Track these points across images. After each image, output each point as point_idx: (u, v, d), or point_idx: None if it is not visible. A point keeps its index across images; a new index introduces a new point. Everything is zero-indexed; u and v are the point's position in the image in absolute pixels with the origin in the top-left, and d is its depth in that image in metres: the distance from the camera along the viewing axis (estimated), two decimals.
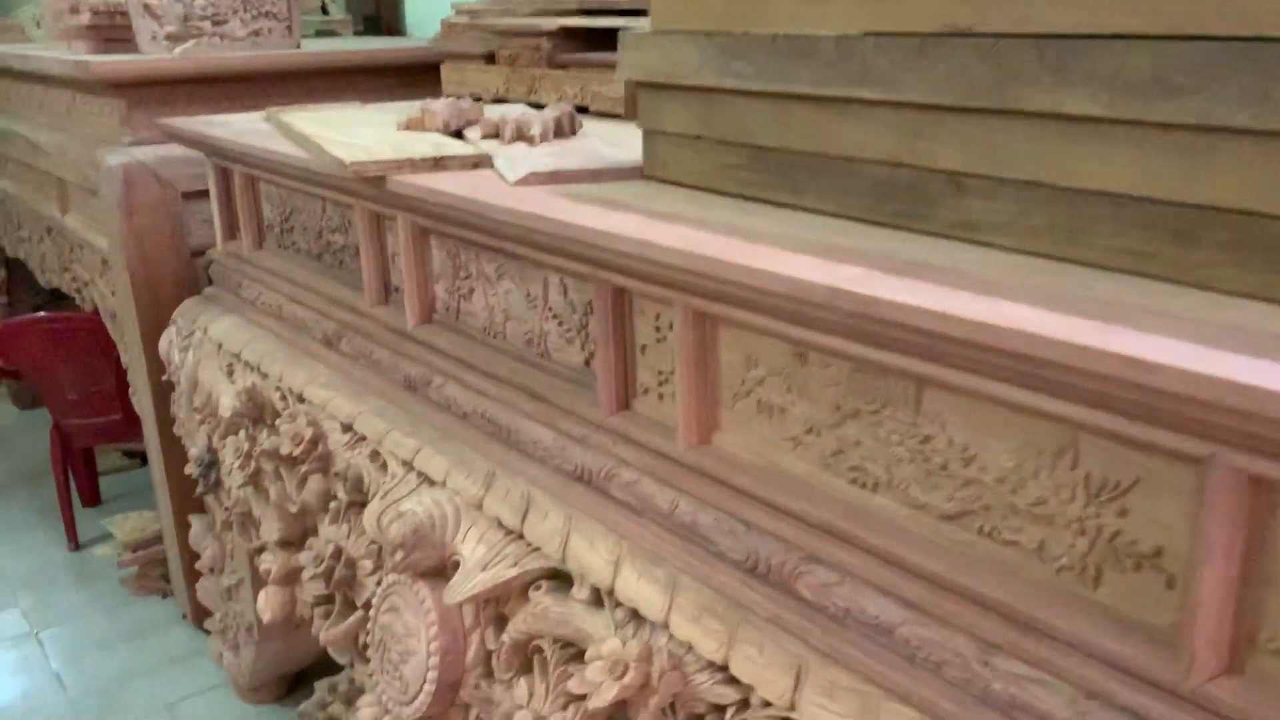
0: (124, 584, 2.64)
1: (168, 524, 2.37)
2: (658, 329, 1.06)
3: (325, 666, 2.08)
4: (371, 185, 1.32)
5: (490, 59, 2.08)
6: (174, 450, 2.17)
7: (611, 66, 1.82)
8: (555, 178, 1.19)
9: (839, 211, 0.97)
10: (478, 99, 1.88)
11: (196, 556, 2.22)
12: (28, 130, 2.73)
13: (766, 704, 0.89)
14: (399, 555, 1.22)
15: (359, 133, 1.50)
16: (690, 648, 0.96)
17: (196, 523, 2.16)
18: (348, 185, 1.45)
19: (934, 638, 0.81)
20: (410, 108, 1.74)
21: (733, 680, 0.93)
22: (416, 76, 2.42)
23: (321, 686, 2.03)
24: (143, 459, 3.17)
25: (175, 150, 2.13)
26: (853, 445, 0.88)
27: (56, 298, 3.27)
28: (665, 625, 0.98)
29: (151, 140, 2.17)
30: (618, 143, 1.41)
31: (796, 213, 1.01)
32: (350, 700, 1.99)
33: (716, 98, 1.06)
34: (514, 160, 1.25)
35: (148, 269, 2.16)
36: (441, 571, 1.25)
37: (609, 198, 1.11)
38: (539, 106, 1.81)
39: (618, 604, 1.05)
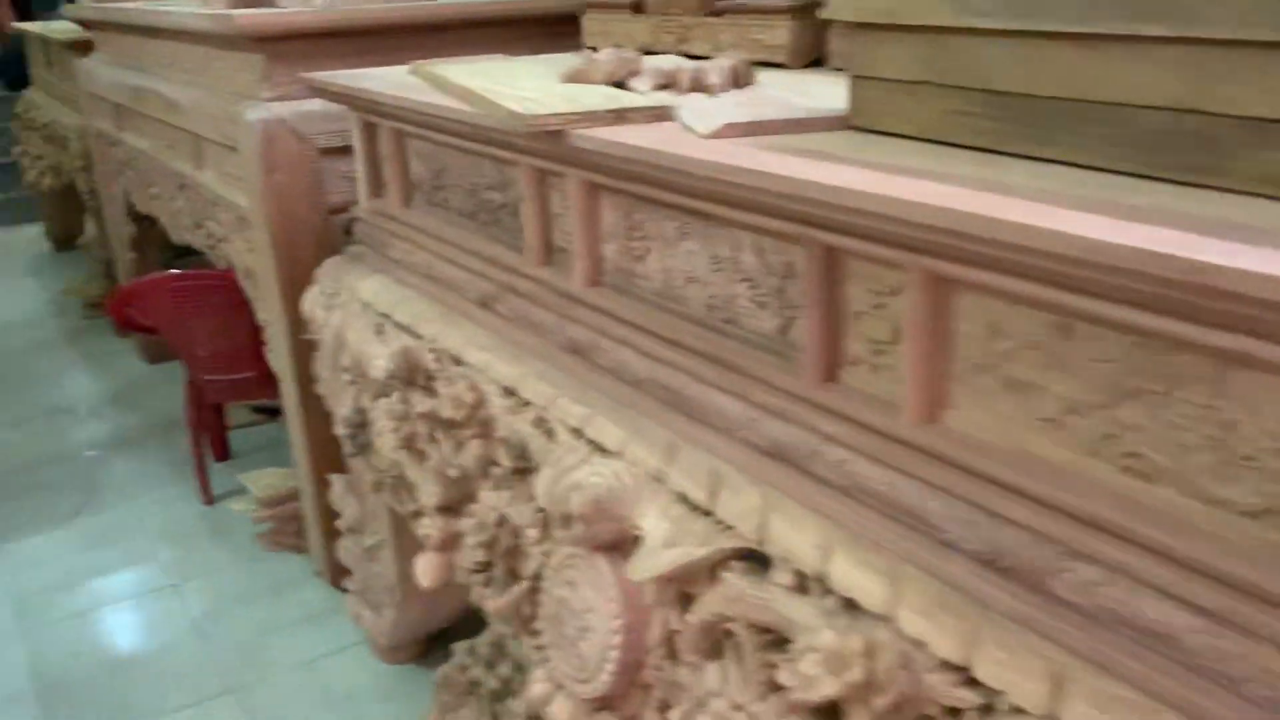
0: (259, 539, 2.67)
1: (305, 482, 2.38)
2: (876, 294, 0.97)
3: (463, 627, 2.07)
4: (544, 140, 1.25)
5: (637, 8, 1.99)
6: (313, 409, 2.16)
7: (773, 12, 1.72)
8: (753, 129, 1.10)
9: (1102, 164, 0.87)
10: None
11: (334, 515, 2.22)
12: (162, 87, 2.74)
13: (1017, 710, 0.81)
14: (579, 527, 1.17)
15: (521, 85, 1.43)
16: (920, 645, 0.88)
17: (338, 482, 2.16)
18: (511, 140, 1.38)
19: (1233, 649, 0.72)
20: (565, 59, 1.66)
21: (972, 682, 0.85)
22: (554, 28, 2.34)
23: (461, 649, 2.01)
24: (271, 414, 3.20)
25: (314, 105, 2.10)
26: (1129, 429, 0.78)
27: (184, 254, 3.31)
28: (890, 619, 0.90)
29: (288, 96, 2.15)
30: (802, 91, 1.32)
31: (1045, 165, 0.91)
32: (491, 663, 1.96)
33: (948, 38, 0.96)
34: (703, 112, 1.16)
35: (287, 226, 2.14)
36: (619, 545, 1.19)
37: (819, 150, 1.02)
38: (692, 57, 1.71)
39: (827, 591, 0.97)
